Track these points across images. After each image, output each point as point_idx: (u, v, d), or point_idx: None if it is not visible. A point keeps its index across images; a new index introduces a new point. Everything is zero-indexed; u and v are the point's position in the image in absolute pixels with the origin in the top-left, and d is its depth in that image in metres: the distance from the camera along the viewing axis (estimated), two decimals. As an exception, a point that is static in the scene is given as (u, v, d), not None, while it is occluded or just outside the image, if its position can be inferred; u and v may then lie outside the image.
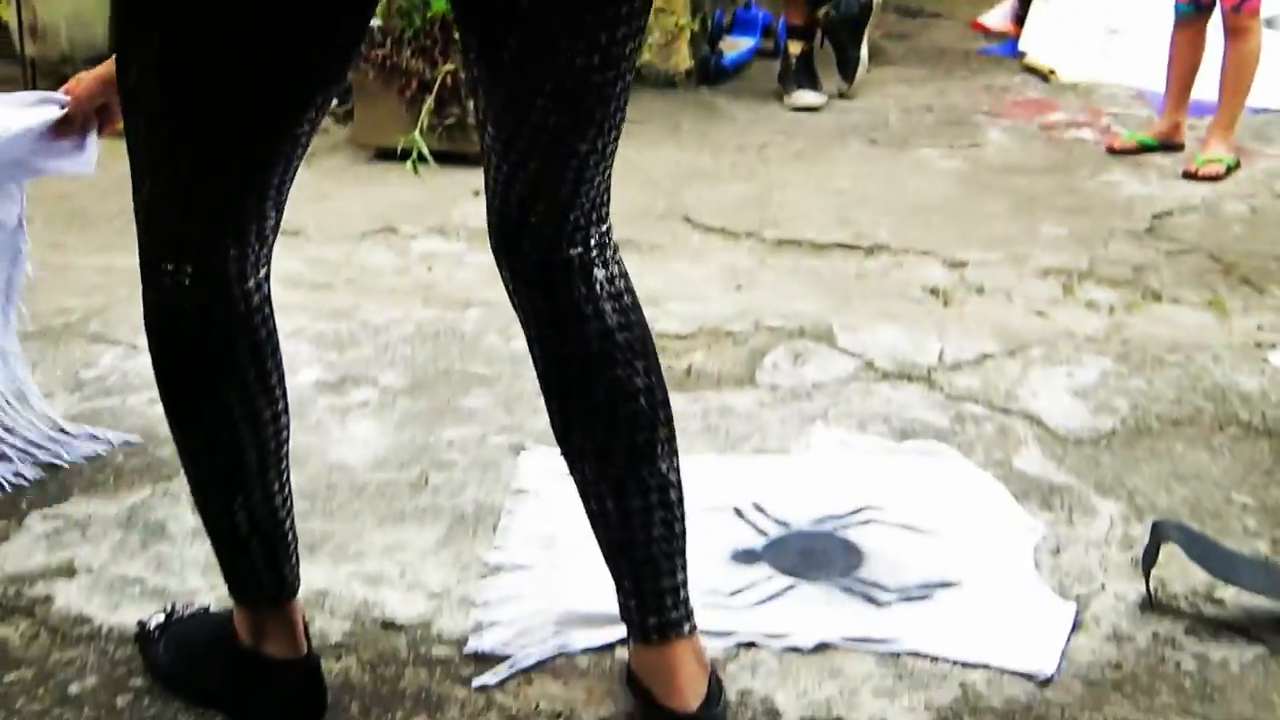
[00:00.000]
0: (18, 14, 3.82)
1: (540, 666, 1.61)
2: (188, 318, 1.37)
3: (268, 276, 1.42)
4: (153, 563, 1.82)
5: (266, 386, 1.42)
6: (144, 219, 1.37)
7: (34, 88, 3.94)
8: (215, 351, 1.38)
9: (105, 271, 2.84)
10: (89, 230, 3.10)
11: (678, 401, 2.23)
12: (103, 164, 3.56)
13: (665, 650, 1.46)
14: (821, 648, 1.64)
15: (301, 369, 2.39)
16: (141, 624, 1.63)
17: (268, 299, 1.42)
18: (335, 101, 3.84)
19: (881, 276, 2.96)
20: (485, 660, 1.62)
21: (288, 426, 1.46)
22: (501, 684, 1.58)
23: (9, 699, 1.54)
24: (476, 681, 1.58)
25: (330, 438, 2.18)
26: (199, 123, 1.28)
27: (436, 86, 3.43)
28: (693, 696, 1.44)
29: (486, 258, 2.73)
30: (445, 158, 3.41)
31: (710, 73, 4.56)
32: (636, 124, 3.97)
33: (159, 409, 1.45)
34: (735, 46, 4.78)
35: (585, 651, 1.63)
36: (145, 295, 1.40)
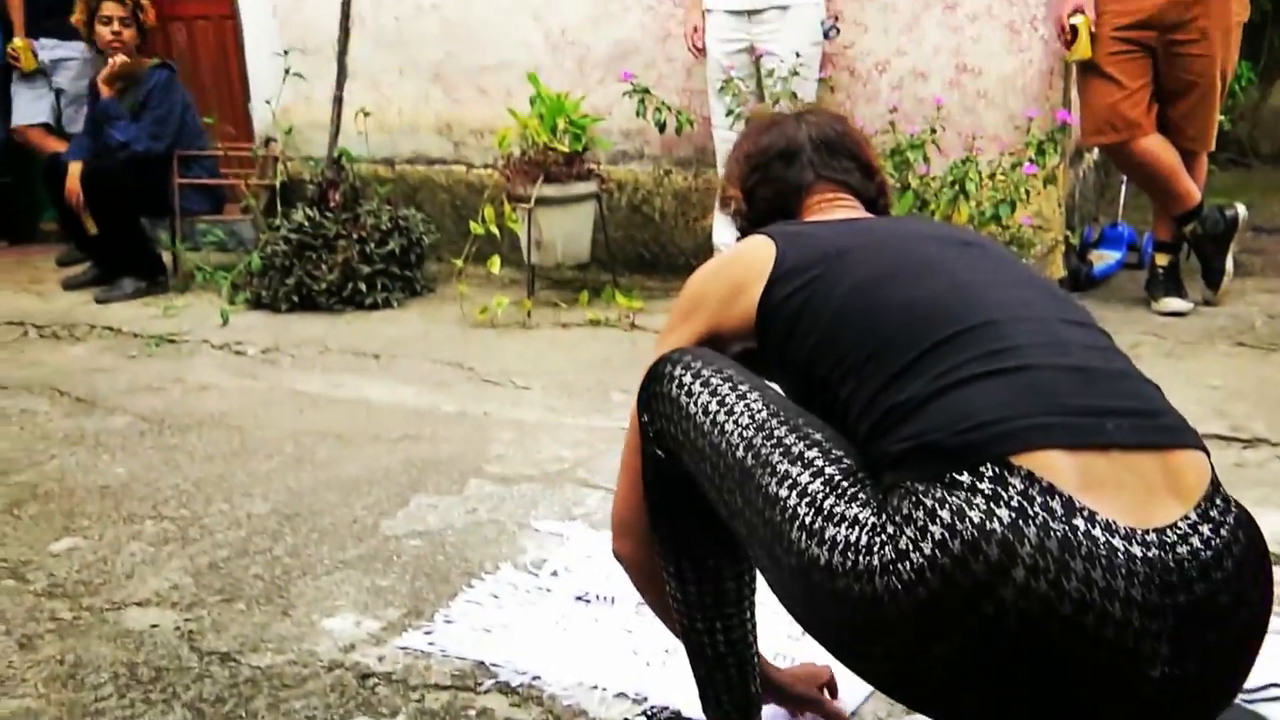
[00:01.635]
0: (527, 229, 4.18)
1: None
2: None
3: None
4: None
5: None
6: None
7: (533, 291, 4.30)
8: (694, 497, 1.39)
9: (589, 430, 3.00)
10: (575, 397, 3.29)
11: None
12: (582, 345, 3.82)
13: None
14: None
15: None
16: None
17: None
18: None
19: (1260, 467, 2.69)
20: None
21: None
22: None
23: (526, 771, 1.61)
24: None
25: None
26: None
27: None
28: None
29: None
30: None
31: (1081, 281, 4.37)
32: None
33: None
34: (1103, 259, 4.56)
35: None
36: (643, 448, 1.44)
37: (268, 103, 5.01)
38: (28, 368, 3.77)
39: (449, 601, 2.10)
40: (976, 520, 1.03)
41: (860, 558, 1.08)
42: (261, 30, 5.33)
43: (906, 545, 1.05)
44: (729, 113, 4.01)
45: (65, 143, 5.37)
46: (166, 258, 4.88)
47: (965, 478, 1.06)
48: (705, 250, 4.49)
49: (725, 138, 4.15)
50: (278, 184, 4.73)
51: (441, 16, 4.96)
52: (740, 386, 1.29)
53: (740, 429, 1.24)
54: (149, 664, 1.93)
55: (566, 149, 4.20)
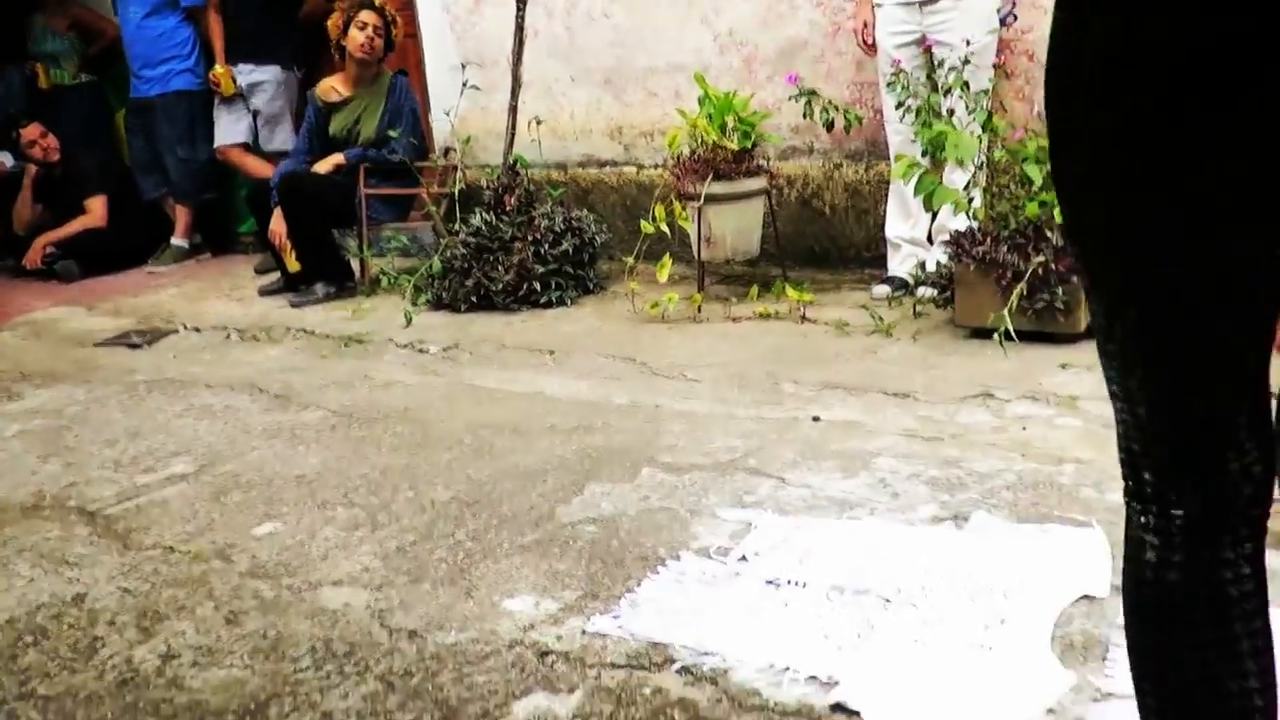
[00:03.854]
0: (697, 226, 4.20)
1: (1159, 792, 1.44)
2: (1161, 571, 1.10)
3: (1250, 535, 1.08)
4: (805, 654, 1.85)
5: (1233, 653, 1.09)
6: (1125, 459, 1.12)
7: (703, 287, 4.31)
8: (1180, 610, 1.10)
9: (759, 420, 2.99)
10: (746, 389, 3.29)
11: None
12: (752, 338, 3.81)
13: None
14: None
15: (920, 506, 2.37)
16: None
17: (1247, 557, 1.09)
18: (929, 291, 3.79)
19: None
20: (1103, 778, 1.48)
21: (1266, 710, 1.10)
22: (1121, 802, 1.43)
23: (701, 748, 1.61)
24: (1097, 796, 1.44)
25: (946, 566, 2.13)
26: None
27: (1028, 275, 3.35)
28: None
29: (1076, 421, 2.59)
30: (1035, 337, 3.33)
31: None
32: None
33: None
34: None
35: (1205, 783, 1.44)
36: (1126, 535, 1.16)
37: (447, 114, 5.19)
38: (231, 368, 4.00)
39: (627, 584, 2.12)
40: None
41: None
42: (440, 46, 5.53)
43: None
44: (899, 105, 3.94)
45: (261, 160, 5.71)
46: (355, 264, 5.10)
47: None
48: (877, 242, 4.42)
49: (897, 129, 4.07)
50: (456, 191, 4.89)
51: (612, 24, 5.04)
52: None
53: None
54: (343, 639, 2.02)
55: (735, 146, 4.20)
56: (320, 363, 3.97)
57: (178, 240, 6.10)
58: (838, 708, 1.67)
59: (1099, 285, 1.07)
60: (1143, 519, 1.11)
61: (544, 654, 1.90)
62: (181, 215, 6.12)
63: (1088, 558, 2.04)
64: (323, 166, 4.98)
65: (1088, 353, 3.27)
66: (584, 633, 1.96)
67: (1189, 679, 1.10)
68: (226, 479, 2.89)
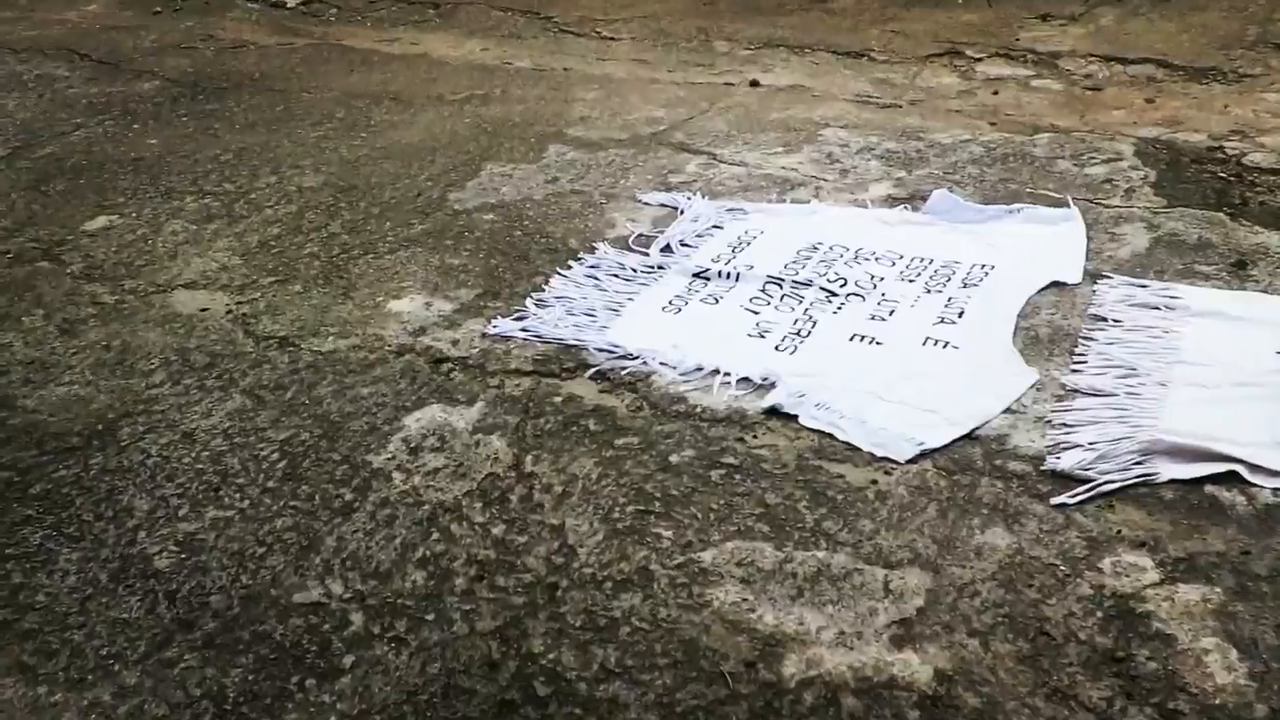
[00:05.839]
0: None
1: (1122, 493, 1.52)
2: None
3: None
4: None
5: None
6: None
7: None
8: None
9: (687, 86, 2.92)
10: (671, 49, 3.19)
11: (1273, 239, 2.03)
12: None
13: None
14: None
15: (871, 185, 2.36)
16: None
17: None
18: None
19: None
20: (1062, 480, 1.54)
21: None
22: (1080, 505, 1.50)
23: (619, 460, 1.64)
24: (1054, 500, 1.51)
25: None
26: None
27: (1010, -94, 3.21)
28: None
29: (1055, 84, 2.56)
30: (1013, -19, 3.25)
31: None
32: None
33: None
34: None
35: (1172, 483, 1.52)
36: None
37: None
38: (40, 28, 3.77)
39: (533, 281, 2.11)
40: None
41: None
42: None
43: None
44: None
45: None
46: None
47: None
48: None
49: None
50: None
51: None
52: None
53: None
54: (202, 350, 2.00)
55: None
56: (152, 21, 3.76)
57: None
58: (772, 412, 1.70)
59: None
60: None
61: (438, 361, 1.90)
62: None
63: (1059, 240, 2.06)
64: None
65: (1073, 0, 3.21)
66: (484, 336, 1.96)
67: None
68: (47, 164, 2.77)
